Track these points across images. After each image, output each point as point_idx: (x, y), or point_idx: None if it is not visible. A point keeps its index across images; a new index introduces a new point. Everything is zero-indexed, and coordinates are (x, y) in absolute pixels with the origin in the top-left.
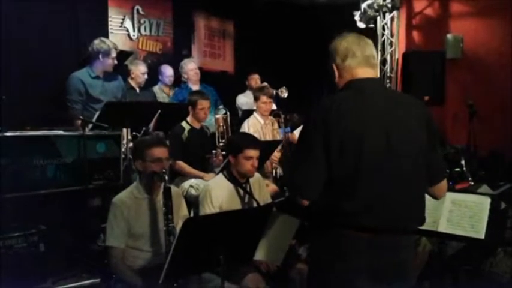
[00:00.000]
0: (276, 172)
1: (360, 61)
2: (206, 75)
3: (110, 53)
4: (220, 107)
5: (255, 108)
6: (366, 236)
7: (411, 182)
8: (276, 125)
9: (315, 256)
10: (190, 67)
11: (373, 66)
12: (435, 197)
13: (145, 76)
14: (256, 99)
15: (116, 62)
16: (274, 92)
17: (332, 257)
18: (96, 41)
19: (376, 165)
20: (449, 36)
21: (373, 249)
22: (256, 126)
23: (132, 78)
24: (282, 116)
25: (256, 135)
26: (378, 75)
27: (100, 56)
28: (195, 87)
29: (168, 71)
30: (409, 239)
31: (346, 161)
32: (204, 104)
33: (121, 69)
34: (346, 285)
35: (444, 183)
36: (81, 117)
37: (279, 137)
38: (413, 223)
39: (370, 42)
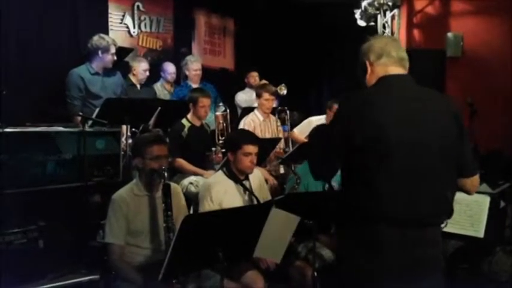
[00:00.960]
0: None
1: (395, 61)
2: (206, 73)
3: (109, 49)
4: (220, 104)
5: (255, 105)
6: (395, 231)
7: (439, 175)
8: (278, 122)
9: (344, 252)
10: (194, 67)
11: (406, 68)
12: (468, 192)
13: (147, 73)
14: (258, 96)
15: (115, 58)
16: (274, 88)
17: (362, 252)
18: (95, 38)
19: (402, 157)
20: (449, 34)
21: (402, 244)
22: (255, 123)
23: (134, 75)
24: (288, 113)
25: (254, 132)
26: None
27: (99, 52)
28: (196, 85)
29: (170, 68)
30: (436, 232)
31: (372, 153)
32: (205, 101)
33: (121, 65)
34: (376, 281)
35: (476, 178)
36: (80, 113)
37: (281, 134)
38: (441, 216)
39: (403, 47)
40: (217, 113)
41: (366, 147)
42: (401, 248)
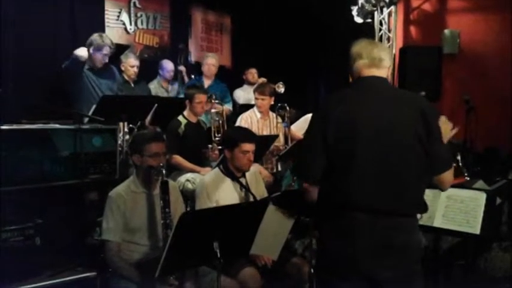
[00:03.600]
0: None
1: (366, 62)
2: None
3: (102, 49)
4: (216, 101)
5: (253, 102)
6: (366, 217)
7: (405, 169)
8: (279, 119)
9: (322, 239)
10: (209, 62)
11: (380, 67)
12: (440, 188)
13: (135, 69)
14: (254, 96)
15: (106, 60)
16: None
17: (336, 237)
18: (95, 34)
19: (368, 151)
20: (446, 31)
21: (373, 229)
22: (252, 120)
23: (122, 71)
24: (288, 110)
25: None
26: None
27: (91, 49)
28: (208, 81)
29: (168, 65)
30: (409, 222)
31: (341, 147)
32: (201, 97)
33: (117, 62)
34: (351, 264)
35: (447, 175)
36: (74, 110)
37: (281, 131)
38: (410, 207)
39: (379, 45)
40: (213, 110)
41: (336, 143)
42: (371, 234)
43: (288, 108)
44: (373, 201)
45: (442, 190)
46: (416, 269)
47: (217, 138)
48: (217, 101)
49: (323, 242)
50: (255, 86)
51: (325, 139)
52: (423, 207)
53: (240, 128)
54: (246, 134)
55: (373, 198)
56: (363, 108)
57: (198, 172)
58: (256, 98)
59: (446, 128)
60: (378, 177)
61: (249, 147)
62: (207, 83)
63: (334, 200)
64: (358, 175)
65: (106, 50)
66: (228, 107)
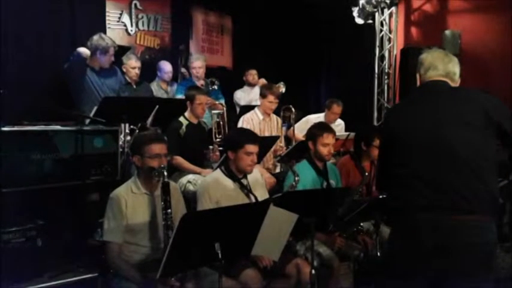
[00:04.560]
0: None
1: (441, 74)
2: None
3: (108, 51)
4: (216, 102)
5: (253, 104)
6: (428, 217)
7: (469, 167)
8: (280, 121)
9: (391, 242)
10: (194, 65)
11: (453, 81)
12: None
13: (137, 70)
14: (263, 96)
15: (113, 59)
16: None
17: (403, 238)
18: (96, 37)
19: (428, 152)
20: (447, 32)
21: (435, 228)
22: (254, 121)
23: (124, 73)
24: (293, 111)
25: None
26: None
27: (98, 53)
28: (200, 82)
29: (166, 66)
30: (477, 220)
31: (402, 150)
32: (202, 99)
33: (119, 63)
34: (417, 263)
35: None
36: (76, 112)
37: (282, 133)
38: (480, 205)
39: (455, 59)
40: (214, 112)
41: (394, 146)
42: (435, 232)
43: (293, 109)
44: (435, 200)
45: None
46: (482, 269)
47: (218, 140)
48: (216, 102)
49: (390, 244)
50: (264, 86)
51: (389, 144)
52: (495, 204)
53: (243, 129)
54: (250, 136)
55: (435, 197)
56: (421, 111)
57: (199, 173)
58: (270, 101)
59: None
60: (441, 179)
61: (253, 148)
62: (199, 84)
63: (398, 202)
64: (420, 178)
65: (112, 51)
66: (221, 101)
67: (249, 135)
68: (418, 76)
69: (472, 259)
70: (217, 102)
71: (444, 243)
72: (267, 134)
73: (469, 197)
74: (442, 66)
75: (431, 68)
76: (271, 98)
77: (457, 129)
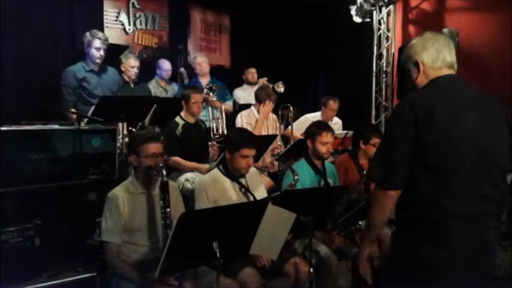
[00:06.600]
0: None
1: (449, 65)
2: None
3: (92, 44)
4: (214, 99)
5: (252, 102)
6: (460, 224)
7: (493, 170)
8: (277, 119)
9: (409, 246)
10: (198, 61)
11: (454, 70)
12: None
13: (135, 70)
14: (259, 101)
15: (102, 53)
16: (271, 86)
17: (432, 246)
18: (87, 34)
19: (466, 157)
20: (445, 30)
21: (469, 235)
22: (251, 120)
23: (123, 72)
24: (291, 110)
25: (248, 128)
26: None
27: (86, 49)
28: (205, 80)
29: (165, 65)
30: (494, 220)
31: (439, 154)
32: (197, 97)
33: (116, 63)
34: (445, 271)
35: None
36: (73, 110)
37: (279, 131)
38: (497, 206)
39: (453, 48)
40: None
41: (428, 147)
42: (468, 239)
43: (291, 108)
44: (470, 208)
45: None
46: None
47: (216, 136)
48: (215, 98)
49: (410, 249)
50: (260, 88)
51: (417, 144)
52: (505, 204)
53: (243, 131)
54: (248, 139)
55: (469, 204)
56: (454, 111)
57: (197, 169)
58: (268, 108)
59: None
60: (473, 184)
61: (249, 152)
62: (204, 81)
63: (430, 208)
64: (457, 183)
65: (97, 43)
66: (229, 103)
67: (246, 139)
68: (420, 63)
69: (492, 261)
70: (224, 103)
71: (477, 249)
72: (263, 132)
73: (494, 202)
74: (450, 59)
75: (439, 58)
76: (269, 104)
77: (492, 138)
